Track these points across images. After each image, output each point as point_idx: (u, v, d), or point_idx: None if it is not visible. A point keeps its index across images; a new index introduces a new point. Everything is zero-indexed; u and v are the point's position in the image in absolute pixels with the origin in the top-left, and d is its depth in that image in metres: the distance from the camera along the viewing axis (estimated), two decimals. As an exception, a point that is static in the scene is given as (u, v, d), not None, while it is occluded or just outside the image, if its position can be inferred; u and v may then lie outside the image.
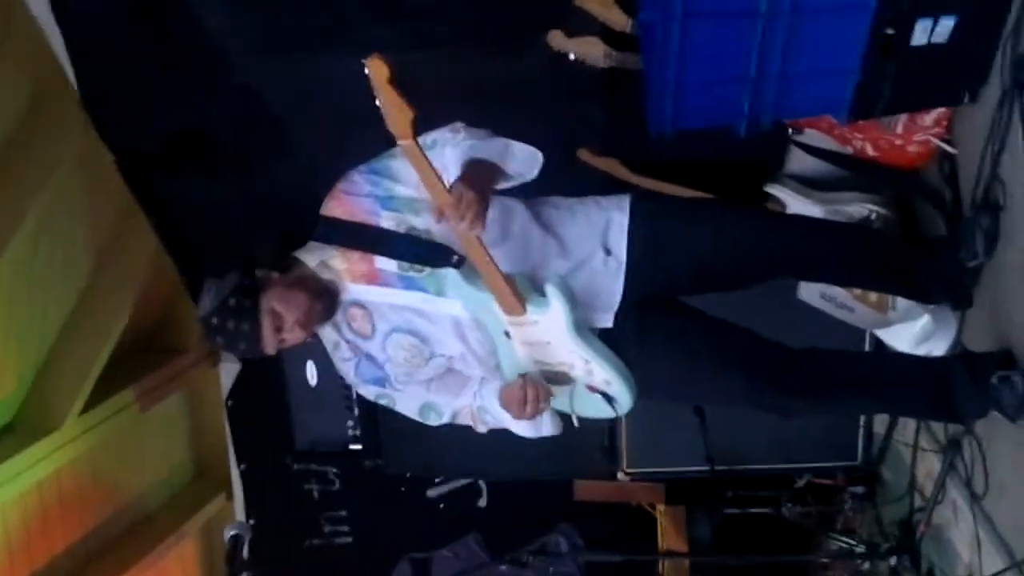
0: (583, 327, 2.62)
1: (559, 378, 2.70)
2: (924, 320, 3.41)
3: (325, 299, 2.71)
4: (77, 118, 3.75)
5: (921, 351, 3.43)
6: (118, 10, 3.61)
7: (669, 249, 2.80)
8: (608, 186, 3.88)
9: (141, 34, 3.69)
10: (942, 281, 3.08)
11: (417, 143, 2.33)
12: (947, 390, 2.94)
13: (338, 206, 2.73)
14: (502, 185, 2.68)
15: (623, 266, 2.75)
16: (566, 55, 3.68)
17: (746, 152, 3.63)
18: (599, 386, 2.65)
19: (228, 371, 4.91)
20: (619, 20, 3.59)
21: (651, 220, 2.81)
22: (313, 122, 3.97)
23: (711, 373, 2.86)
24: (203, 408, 5.00)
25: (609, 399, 2.67)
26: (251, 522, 3.67)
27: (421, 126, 2.36)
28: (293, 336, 2.67)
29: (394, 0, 3.70)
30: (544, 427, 2.84)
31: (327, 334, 2.83)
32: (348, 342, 2.82)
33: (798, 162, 3.70)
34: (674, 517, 4.61)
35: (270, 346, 2.67)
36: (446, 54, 3.77)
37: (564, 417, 2.84)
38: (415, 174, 2.53)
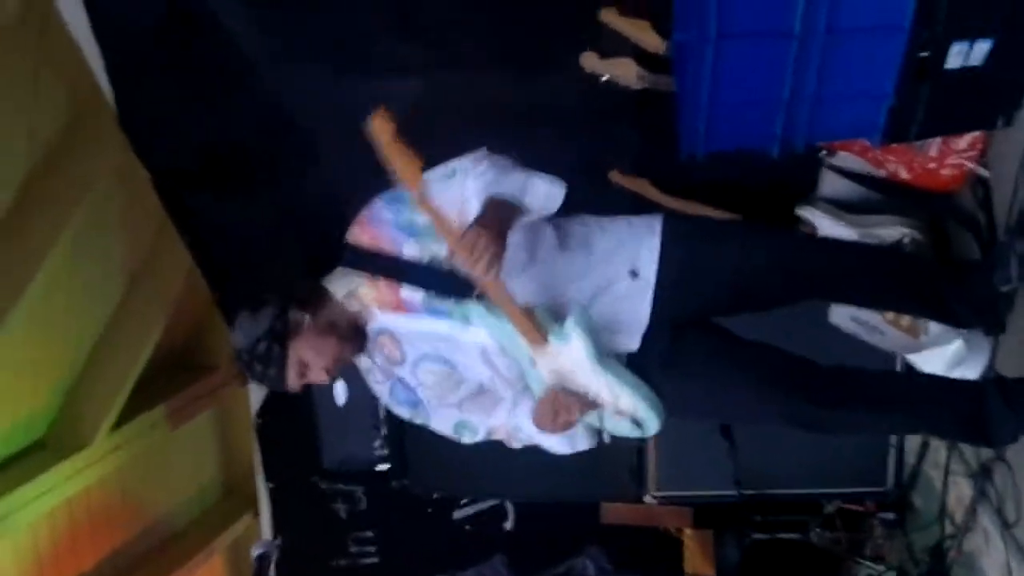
0: (605, 356, 2.61)
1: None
2: (957, 344, 3.39)
3: (355, 341, 2.76)
4: (114, 136, 3.78)
5: (954, 376, 3.41)
6: (155, 28, 3.65)
7: (700, 270, 2.78)
8: (638, 207, 3.89)
9: (176, 52, 3.73)
10: (975, 305, 3.04)
11: (424, 192, 2.39)
12: (980, 413, 2.91)
13: (363, 233, 2.74)
14: (522, 221, 2.66)
15: (651, 288, 2.74)
16: (598, 76, 3.68)
17: (778, 174, 3.63)
18: (626, 412, 2.64)
19: (257, 390, 4.92)
20: (653, 41, 3.59)
21: (683, 241, 2.79)
22: (343, 139, 3.98)
23: (748, 392, 2.83)
24: (232, 426, 5.02)
25: (636, 422, 2.66)
26: (278, 541, 3.67)
27: (448, 150, 2.38)
28: (318, 378, 2.72)
29: (421, 20, 3.71)
30: (579, 442, 2.83)
31: (361, 360, 2.86)
32: (380, 368, 2.85)
33: (831, 185, 3.69)
34: (702, 541, 4.59)
35: (294, 386, 2.73)
36: (474, 74, 3.79)
37: (594, 433, 2.83)
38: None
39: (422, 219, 2.63)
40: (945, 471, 3.76)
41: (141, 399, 4.27)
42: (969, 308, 3.04)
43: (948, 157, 3.35)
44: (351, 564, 5.11)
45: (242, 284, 4.34)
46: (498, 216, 2.54)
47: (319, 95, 3.87)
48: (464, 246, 2.41)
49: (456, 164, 2.68)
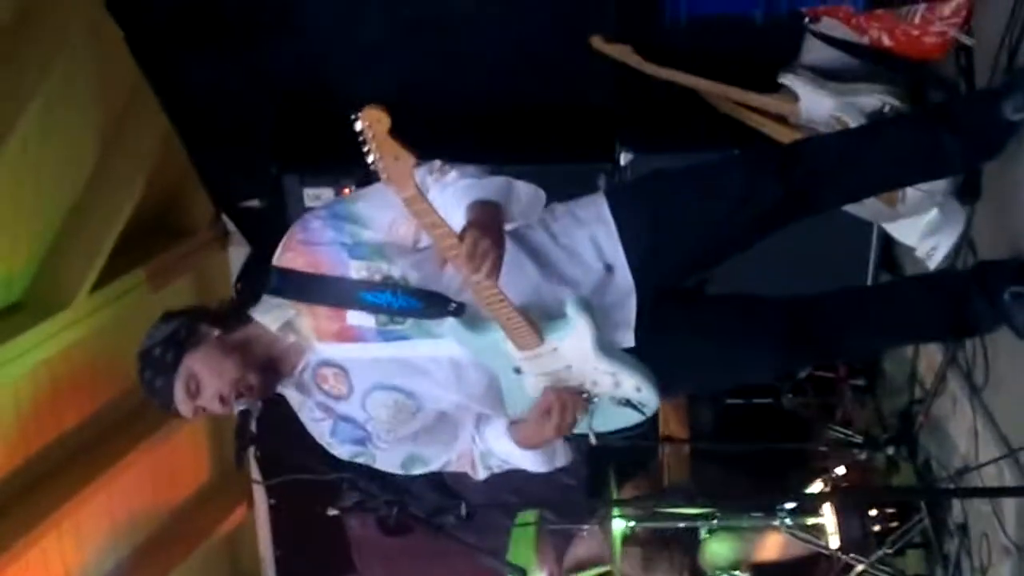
0: (606, 340, 2.47)
1: None
2: (932, 214, 3.41)
3: (264, 376, 2.45)
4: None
5: (927, 244, 3.44)
6: None
7: (666, 231, 2.62)
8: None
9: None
10: (973, 138, 2.85)
11: (419, 191, 2.10)
12: (964, 312, 2.90)
13: (297, 256, 2.47)
14: (507, 228, 2.42)
15: (628, 272, 2.59)
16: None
17: (761, 41, 3.60)
18: (628, 395, 2.51)
19: (238, 254, 4.92)
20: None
21: (639, 210, 2.64)
22: (321, 7, 3.93)
23: (737, 361, 2.77)
24: (212, 291, 5.02)
25: (635, 406, 2.54)
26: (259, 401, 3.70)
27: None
28: (210, 405, 2.43)
29: None
30: (558, 458, 2.69)
31: (291, 395, 2.59)
32: (319, 404, 2.58)
33: (813, 52, 3.65)
34: (676, 405, 4.66)
35: (185, 409, 2.44)
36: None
37: (579, 438, 2.66)
38: (385, 216, 2.41)
39: (370, 236, 2.44)
40: (916, 338, 3.81)
41: (121, 262, 4.25)
42: (967, 139, 2.84)
43: (932, 24, 3.31)
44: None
45: (218, 146, 4.31)
46: (490, 219, 2.31)
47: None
48: (466, 250, 2.17)
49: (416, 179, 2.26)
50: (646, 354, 2.56)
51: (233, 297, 2.63)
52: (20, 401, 3.84)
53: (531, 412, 2.48)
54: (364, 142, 1.98)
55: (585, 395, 2.49)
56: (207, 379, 2.40)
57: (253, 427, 2.71)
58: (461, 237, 2.19)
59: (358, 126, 1.96)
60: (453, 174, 2.43)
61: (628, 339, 2.59)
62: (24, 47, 3.50)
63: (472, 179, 2.42)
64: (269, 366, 2.47)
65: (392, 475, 2.77)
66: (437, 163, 2.45)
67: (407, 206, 2.14)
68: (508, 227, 2.41)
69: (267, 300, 2.50)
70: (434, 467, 2.70)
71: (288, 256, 2.48)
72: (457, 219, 2.27)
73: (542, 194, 2.54)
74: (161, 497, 4.81)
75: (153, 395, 2.45)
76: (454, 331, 2.43)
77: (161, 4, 3.89)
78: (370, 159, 2.01)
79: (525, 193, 2.49)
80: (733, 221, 2.69)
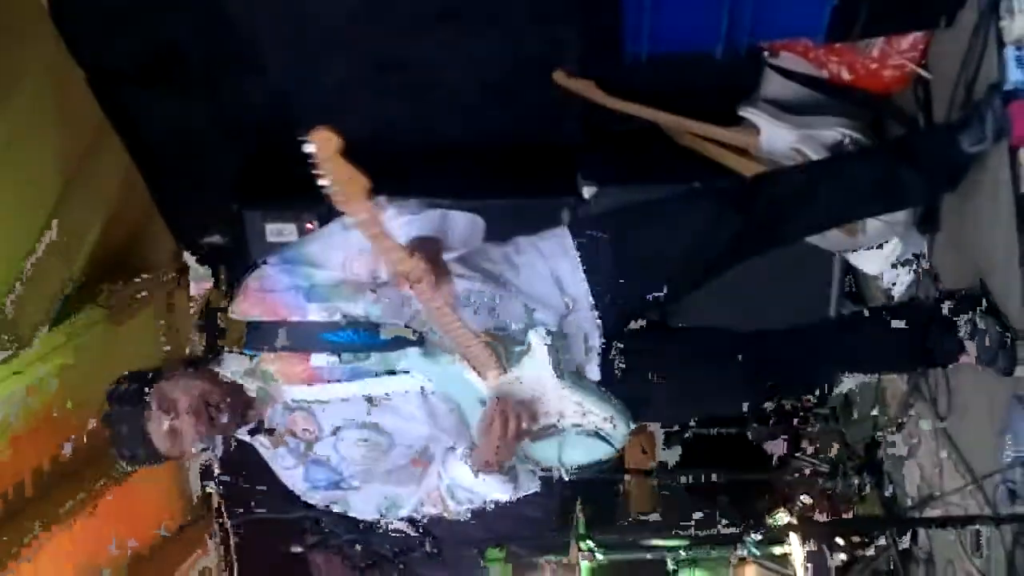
0: (571, 371, 2.50)
1: (545, 433, 2.54)
2: (892, 243, 3.45)
3: (232, 397, 2.46)
4: (45, 29, 3.66)
5: (889, 274, 3.49)
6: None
7: (629, 264, 2.65)
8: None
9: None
10: (932, 169, 2.91)
11: (373, 213, 2.13)
12: (925, 341, 2.96)
13: (253, 306, 2.49)
14: (449, 256, 2.48)
15: (591, 305, 2.61)
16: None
17: (721, 75, 3.62)
18: (596, 426, 2.52)
19: (198, 290, 4.88)
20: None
21: (602, 243, 2.65)
22: (283, 39, 3.92)
23: (703, 393, 2.81)
24: (174, 325, 4.97)
25: (603, 437, 2.55)
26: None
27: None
28: (185, 424, 2.41)
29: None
30: (522, 484, 2.66)
31: (261, 441, 2.60)
32: (291, 451, 2.58)
33: (773, 86, 3.70)
34: (641, 436, 4.65)
35: (158, 436, 2.42)
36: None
37: (546, 471, 2.69)
38: (338, 255, 2.43)
39: (324, 275, 2.45)
40: (880, 368, 3.84)
41: (82, 297, 4.21)
42: (925, 172, 2.90)
43: (890, 58, 3.36)
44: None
45: (180, 183, 4.28)
46: (431, 251, 2.33)
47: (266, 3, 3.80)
48: (419, 265, 2.19)
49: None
50: (611, 386, 2.58)
51: (193, 354, 2.62)
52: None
53: (478, 426, 2.48)
54: (315, 165, 1.96)
55: (552, 426, 2.50)
56: (180, 395, 2.41)
57: (216, 467, 2.71)
58: (411, 252, 2.21)
59: (308, 148, 1.94)
60: (391, 211, 2.45)
61: (594, 372, 2.60)
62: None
63: (409, 215, 2.44)
64: (238, 394, 2.48)
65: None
66: (382, 199, 2.45)
67: (361, 230, 2.15)
68: (450, 256, 2.46)
69: (227, 355, 2.52)
70: (408, 509, 2.69)
71: (245, 305, 2.50)
72: None
73: (480, 221, 2.58)
74: (124, 538, 4.73)
75: (122, 426, 2.44)
76: (416, 362, 2.43)
77: (123, 44, 3.86)
78: (322, 182, 1.99)
79: (462, 223, 2.53)
80: (697, 254, 2.72)
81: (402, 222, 2.43)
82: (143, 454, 2.46)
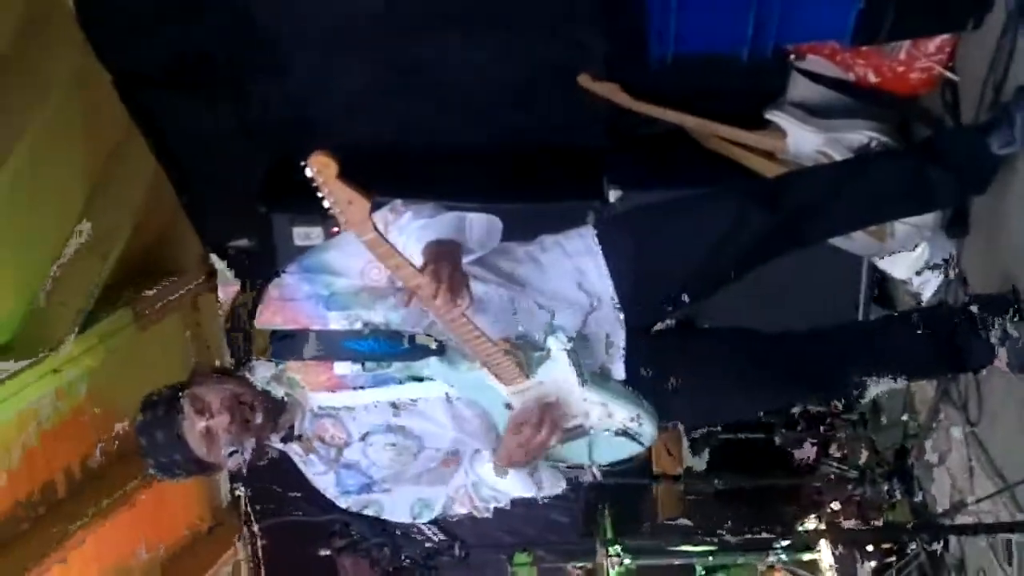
0: (592, 372, 2.48)
1: (573, 433, 2.52)
2: (921, 248, 3.42)
3: (264, 398, 2.46)
4: (73, 37, 3.70)
5: (918, 278, 3.46)
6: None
7: (654, 262, 2.63)
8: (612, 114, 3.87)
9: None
10: (960, 171, 2.87)
11: (378, 232, 2.09)
12: (954, 345, 2.92)
13: (275, 315, 2.48)
14: (467, 259, 2.45)
15: (615, 302, 2.60)
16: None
17: (747, 78, 3.61)
18: (623, 425, 2.52)
19: (226, 294, 4.90)
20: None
21: (626, 241, 2.64)
22: (308, 42, 3.94)
23: (731, 395, 2.78)
24: (201, 330, 5.00)
25: (632, 436, 2.54)
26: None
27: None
28: (221, 423, 2.38)
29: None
30: (545, 484, 2.66)
31: (293, 449, 2.59)
32: (322, 458, 2.59)
33: (799, 89, 3.67)
34: (670, 440, 4.64)
35: (194, 439, 2.39)
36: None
37: (576, 468, 2.69)
38: (356, 263, 2.42)
39: (343, 284, 2.45)
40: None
41: (109, 301, 4.24)
42: (953, 172, 2.87)
43: (917, 60, 3.33)
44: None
45: (207, 187, 4.31)
46: (449, 255, 2.32)
47: (291, 8, 3.81)
48: (426, 282, 2.17)
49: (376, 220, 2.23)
50: (638, 386, 2.57)
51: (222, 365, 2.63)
52: (9, 445, 3.81)
53: (505, 436, 2.47)
54: (317, 188, 1.97)
55: (579, 427, 2.49)
56: (213, 396, 2.40)
57: (244, 471, 2.71)
58: (422, 270, 2.20)
59: (308, 173, 1.94)
60: (408, 215, 2.45)
61: (619, 371, 2.59)
62: (9, 92, 3.49)
63: (426, 219, 2.44)
64: (271, 399, 2.47)
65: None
66: (398, 203, 2.47)
67: (369, 249, 2.14)
68: (468, 259, 2.44)
69: (255, 363, 2.52)
70: (438, 510, 2.69)
71: (266, 315, 2.49)
72: (417, 263, 2.26)
73: (497, 222, 2.56)
74: (152, 541, 4.77)
75: (155, 431, 2.41)
76: (438, 370, 2.43)
77: (149, 49, 3.89)
78: (326, 204, 2.00)
79: (479, 225, 2.51)
80: (721, 252, 2.70)
81: (419, 225, 2.42)
82: (180, 460, 2.42)
